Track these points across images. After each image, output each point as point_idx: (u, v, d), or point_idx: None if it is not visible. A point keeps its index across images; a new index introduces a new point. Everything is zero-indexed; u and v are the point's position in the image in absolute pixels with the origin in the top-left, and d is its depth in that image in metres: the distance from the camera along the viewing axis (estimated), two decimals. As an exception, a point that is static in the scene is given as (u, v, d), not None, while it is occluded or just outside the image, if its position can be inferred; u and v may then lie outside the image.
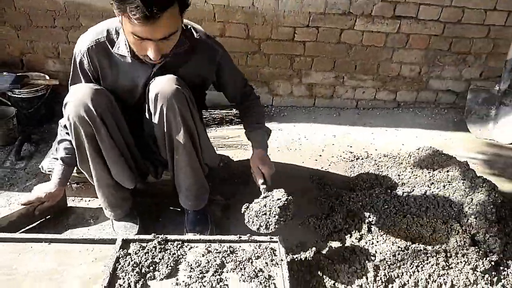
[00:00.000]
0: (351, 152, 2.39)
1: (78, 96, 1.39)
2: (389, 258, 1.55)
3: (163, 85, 1.42)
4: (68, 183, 1.84)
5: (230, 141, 2.45)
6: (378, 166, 2.14)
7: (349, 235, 1.70)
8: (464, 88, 2.83)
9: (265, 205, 1.46)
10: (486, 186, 1.71)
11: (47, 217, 1.75)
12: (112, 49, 1.44)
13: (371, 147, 2.46)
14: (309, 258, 1.61)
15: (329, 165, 2.27)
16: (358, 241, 1.67)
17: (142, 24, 1.17)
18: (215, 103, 2.77)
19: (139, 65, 1.46)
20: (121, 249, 1.43)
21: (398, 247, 1.58)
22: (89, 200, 1.88)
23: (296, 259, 1.60)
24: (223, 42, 2.54)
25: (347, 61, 2.71)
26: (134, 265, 1.37)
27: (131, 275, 1.34)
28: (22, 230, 1.66)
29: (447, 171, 1.86)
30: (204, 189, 1.71)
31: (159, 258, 1.42)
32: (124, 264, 1.38)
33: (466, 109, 2.69)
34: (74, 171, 1.71)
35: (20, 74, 2.38)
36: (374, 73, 2.77)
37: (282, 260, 1.44)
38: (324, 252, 1.65)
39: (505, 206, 1.77)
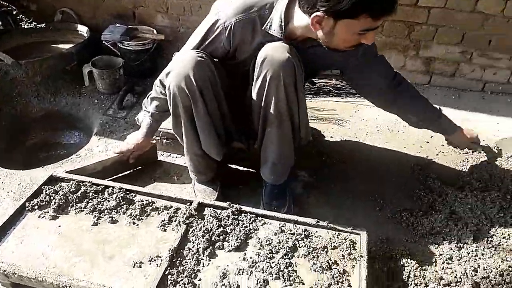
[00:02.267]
0: (467, 143, 2.02)
1: (181, 67, 1.35)
2: (495, 277, 1.27)
3: (273, 51, 1.31)
4: (159, 138, 1.89)
5: (325, 114, 2.26)
6: (499, 163, 1.77)
7: (448, 240, 1.44)
8: None
9: None
10: None
11: (139, 167, 1.83)
12: (262, 27, 1.36)
13: (494, 139, 2.05)
14: (394, 258, 1.42)
15: (437, 154, 1.96)
16: (459, 250, 1.41)
17: (389, 14, 1.17)
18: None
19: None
20: (196, 212, 1.42)
21: (510, 266, 1.28)
22: (176, 157, 1.91)
23: (377, 257, 1.42)
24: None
25: (480, 34, 2.25)
26: (206, 231, 1.35)
27: (201, 240, 1.32)
28: (116, 176, 1.77)
29: None
30: (289, 165, 1.61)
31: (231, 229, 1.37)
32: (196, 228, 1.36)
33: None
34: (164, 126, 1.74)
35: (130, 26, 2.49)
36: (513, 51, 2.27)
37: (362, 256, 1.28)
38: (413, 255, 1.43)
39: None
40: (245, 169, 1.86)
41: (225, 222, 1.39)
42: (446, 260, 1.39)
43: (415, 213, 1.59)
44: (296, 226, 1.39)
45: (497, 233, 1.44)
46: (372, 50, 1.55)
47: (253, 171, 1.83)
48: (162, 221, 1.40)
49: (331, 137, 2.09)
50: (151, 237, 1.35)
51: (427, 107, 1.66)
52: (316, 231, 1.39)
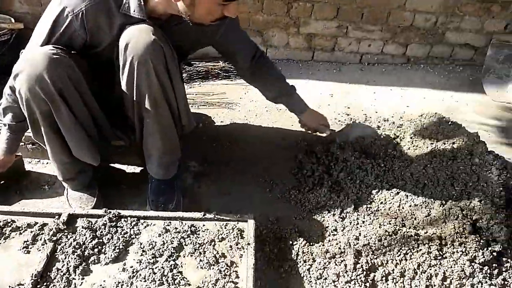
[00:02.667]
0: (348, 115, 2.12)
1: (32, 66, 1.16)
2: (374, 243, 1.35)
3: (136, 34, 1.19)
4: (23, 144, 1.65)
5: (215, 98, 2.20)
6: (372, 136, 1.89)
7: (332, 213, 1.49)
8: (485, 42, 2.47)
9: None
10: (496, 164, 1.46)
11: (2, 182, 1.58)
12: (120, 9, 1.21)
13: (371, 109, 2.19)
14: (284, 238, 1.43)
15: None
16: (342, 220, 1.47)
17: None
18: (201, 53, 2.49)
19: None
20: (65, 226, 1.26)
21: (386, 231, 1.37)
22: (47, 163, 1.69)
23: (268, 239, 1.42)
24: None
25: (352, 8, 2.36)
26: (77, 246, 1.21)
27: (72, 258, 1.18)
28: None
29: (453, 143, 1.60)
30: (176, 156, 1.52)
31: (108, 238, 1.25)
32: (66, 244, 1.21)
33: (484, 67, 2.36)
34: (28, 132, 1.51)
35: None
36: (383, 23, 2.42)
37: (249, 243, 1.26)
38: (302, 232, 1.45)
39: (517, 187, 1.53)
40: (130, 166, 1.72)
41: (101, 232, 1.26)
42: (331, 232, 1.44)
43: (302, 189, 1.62)
44: (182, 223, 1.32)
45: (375, 199, 1.53)
46: (236, 26, 1.54)
47: (139, 168, 1.70)
48: (25, 241, 1.23)
49: (221, 122, 2.04)
50: (11, 262, 1.17)
51: (282, 84, 1.73)
52: (204, 225, 1.33)
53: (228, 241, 1.28)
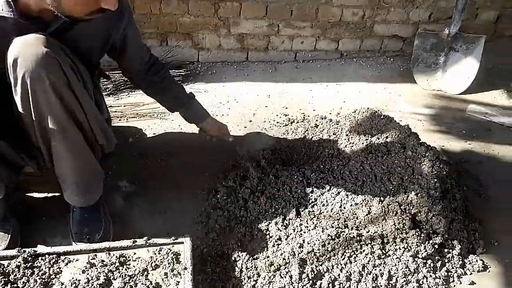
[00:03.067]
0: (286, 115, 2.08)
1: None
2: (318, 249, 1.31)
3: (24, 47, 1.03)
4: None
5: (145, 109, 2.06)
6: (313, 131, 1.86)
7: (274, 221, 1.43)
8: (412, 32, 2.54)
9: None
10: (429, 156, 1.48)
11: None
12: None
13: (309, 107, 2.17)
14: (226, 254, 1.35)
15: (259, 132, 1.96)
16: (285, 228, 1.42)
17: None
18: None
19: (25, 26, 1.07)
20: (-30, 275, 1.09)
21: (329, 235, 1.33)
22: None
23: (210, 258, 1.33)
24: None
25: (281, 5, 2.31)
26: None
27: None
28: None
29: (386, 137, 1.60)
30: (97, 178, 1.37)
31: (23, 282, 1.09)
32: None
33: (413, 57, 2.42)
34: None
35: None
36: (313, 19, 2.40)
37: (185, 268, 1.16)
38: (245, 245, 1.38)
39: (451, 175, 1.56)
40: (49, 194, 1.55)
41: (15, 275, 1.11)
42: (275, 242, 1.38)
43: (242, 199, 1.54)
44: (109, 254, 1.20)
45: (317, 202, 1.49)
46: (134, 24, 1.43)
47: (58, 194, 1.54)
48: None
49: (153, 133, 1.91)
50: None
51: (181, 90, 1.66)
52: (135, 253, 1.22)
53: (163, 268, 1.18)
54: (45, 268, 1.14)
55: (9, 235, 1.32)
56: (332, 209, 1.46)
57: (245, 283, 1.26)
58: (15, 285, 1.09)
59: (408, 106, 2.22)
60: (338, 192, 1.49)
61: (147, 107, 2.07)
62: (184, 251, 1.22)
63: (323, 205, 1.48)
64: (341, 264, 1.29)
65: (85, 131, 1.21)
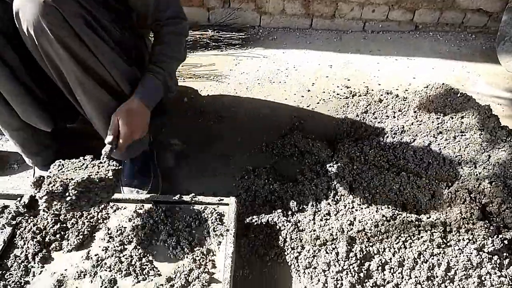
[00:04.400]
0: (348, 87, 1.95)
1: None
2: (370, 229, 1.21)
3: (25, 2, 0.95)
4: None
5: (202, 70, 2.03)
6: (376, 106, 1.72)
7: (324, 195, 1.35)
8: (500, 7, 2.24)
9: (89, 177, 0.98)
10: (510, 141, 1.30)
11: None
12: None
13: (374, 80, 2.01)
14: (270, 223, 1.29)
15: (318, 103, 1.85)
16: (335, 204, 1.33)
17: None
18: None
19: None
20: (25, 209, 1.13)
21: (383, 215, 1.23)
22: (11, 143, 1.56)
23: (253, 223, 1.29)
24: None
25: (354, -31, 2.14)
26: (37, 231, 1.09)
27: (31, 244, 1.06)
28: None
29: (462, 117, 1.43)
30: None
31: (72, 223, 1.12)
32: (26, 229, 1.09)
33: (499, 35, 2.15)
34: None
35: None
36: (389, -15, 2.20)
37: (228, 230, 1.13)
38: (290, 216, 1.32)
39: (533, 166, 1.37)
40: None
41: (65, 216, 1.14)
42: (323, 216, 1.30)
43: (291, 171, 1.47)
44: (156, 206, 1.19)
45: (374, 182, 1.38)
46: None
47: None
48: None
49: (208, 95, 1.88)
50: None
51: (162, 55, 1.24)
52: (180, 209, 1.20)
53: (206, 227, 1.15)
54: (94, 212, 1.16)
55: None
56: (390, 189, 1.34)
57: (288, 253, 1.21)
58: (64, 225, 1.12)
59: (488, 88, 1.99)
60: (398, 173, 1.37)
61: (205, 69, 2.04)
62: (228, 213, 1.18)
63: (380, 185, 1.37)
64: (394, 248, 1.19)
65: (108, 84, 1.10)
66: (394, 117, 1.61)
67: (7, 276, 1.00)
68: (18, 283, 0.99)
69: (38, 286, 0.99)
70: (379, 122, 1.64)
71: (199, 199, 1.21)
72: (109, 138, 1.09)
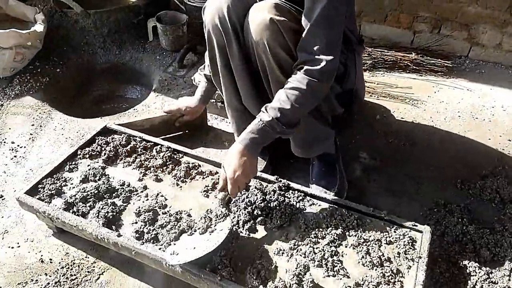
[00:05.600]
0: None
1: (215, 3, 1.24)
2: None
3: (255, 13, 1.16)
4: (214, 100, 1.81)
5: (398, 91, 2.02)
6: None
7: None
8: None
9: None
10: None
11: (186, 131, 1.76)
12: None
13: None
14: (459, 264, 1.22)
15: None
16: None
17: None
18: (391, 41, 2.33)
19: None
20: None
21: None
22: (229, 123, 1.81)
23: (440, 259, 1.24)
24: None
25: None
26: (248, 203, 1.25)
27: (242, 212, 1.23)
28: (162, 137, 1.71)
29: None
30: (319, 136, 1.40)
31: (275, 205, 1.26)
32: (239, 199, 1.27)
33: None
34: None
35: (199, -18, 2.38)
36: None
37: (421, 257, 1.11)
38: (483, 263, 1.22)
39: None
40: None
41: (270, 196, 1.28)
42: (524, 276, 1.18)
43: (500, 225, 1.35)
44: (348, 212, 1.25)
45: None
46: (325, 10, 1.08)
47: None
48: (206, 186, 1.34)
49: (402, 118, 1.87)
50: (193, 203, 1.29)
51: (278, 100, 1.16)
52: (371, 221, 1.24)
53: (397, 247, 1.15)
54: (293, 201, 1.28)
55: (265, 162, 1.54)
56: None
57: (477, 296, 1.13)
58: (269, 205, 1.25)
59: None
60: None
61: (400, 90, 2.03)
62: (421, 240, 1.16)
63: None
64: None
65: None
66: None
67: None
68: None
69: (243, 250, 1.15)
70: None
71: (392, 218, 1.22)
72: (219, 186, 1.19)
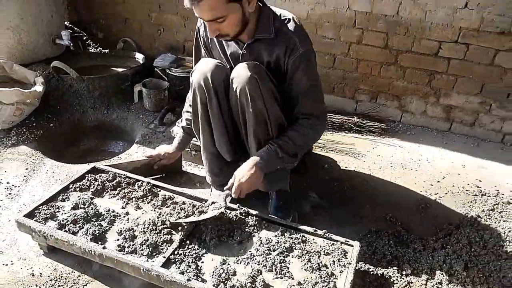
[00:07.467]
0: (478, 187, 2.09)
1: (202, 68, 1.62)
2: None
3: (240, 69, 1.52)
4: (188, 149, 2.14)
5: (342, 147, 2.42)
6: (504, 207, 1.83)
7: (439, 268, 1.51)
8: None
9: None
10: None
11: (162, 175, 2.05)
12: None
13: (507, 187, 2.11)
14: (386, 276, 1.51)
15: (446, 193, 2.04)
16: (449, 276, 1.48)
17: (190, 5, 1.38)
18: (338, 108, 2.79)
19: (234, 43, 1.62)
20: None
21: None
22: (201, 168, 2.14)
23: (370, 272, 1.52)
24: (359, 49, 2.56)
25: (498, 87, 2.37)
26: (215, 225, 1.52)
27: (210, 232, 1.49)
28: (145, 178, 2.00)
29: None
30: (277, 175, 1.72)
31: (237, 227, 1.53)
32: (208, 221, 1.54)
33: None
34: (194, 139, 1.98)
35: (180, 56, 2.84)
36: (534, 106, 2.35)
37: (350, 263, 1.40)
38: (404, 277, 1.51)
39: None
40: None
41: (232, 220, 1.56)
42: (436, 284, 1.46)
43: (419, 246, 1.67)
44: (295, 232, 1.54)
45: (489, 266, 1.49)
46: (301, 75, 1.55)
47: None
48: (178, 213, 1.60)
49: (345, 167, 2.24)
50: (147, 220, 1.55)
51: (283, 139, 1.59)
52: (313, 239, 1.52)
53: (332, 256, 1.44)
54: (252, 223, 1.57)
55: (230, 197, 1.83)
56: (504, 276, 1.44)
57: (396, 303, 1.39)
58: (231, 226, 1.53)
59: None
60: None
61: (345, 146, 2.43)
62: (352, 252, 1.46)
63: (496, 270, 1.47)
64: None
65: (266, 126, 1.56)
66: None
67: (188, 249, 1.44)
68: (196, 254, 1.42)
69: (208, 260, 1.40)
70: (504, 221, 1.75)
71: (330, 235, 1.52)
72: (227, 186, 1.56)
